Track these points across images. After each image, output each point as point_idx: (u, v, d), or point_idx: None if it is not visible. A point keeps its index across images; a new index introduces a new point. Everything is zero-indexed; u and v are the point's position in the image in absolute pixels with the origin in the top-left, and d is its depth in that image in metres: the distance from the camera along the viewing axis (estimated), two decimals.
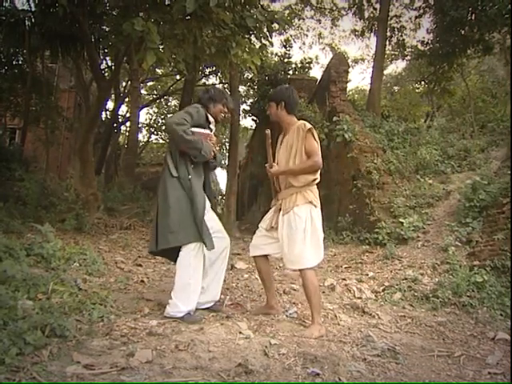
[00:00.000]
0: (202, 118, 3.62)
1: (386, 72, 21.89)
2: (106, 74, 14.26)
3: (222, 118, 3.84)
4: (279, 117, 3.69)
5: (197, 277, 3.49)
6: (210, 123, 3.74)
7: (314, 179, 3.55)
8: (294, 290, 4.84)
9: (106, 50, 10.48)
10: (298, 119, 3.75)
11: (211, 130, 3.75)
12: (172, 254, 3.62)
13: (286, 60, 16.93)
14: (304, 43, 25.08)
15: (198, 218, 3.45)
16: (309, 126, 3.58)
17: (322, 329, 3.39)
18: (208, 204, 3.69)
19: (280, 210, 3.60)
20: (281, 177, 3.67)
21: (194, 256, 3.45)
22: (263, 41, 6.44)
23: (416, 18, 17.13)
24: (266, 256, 3.79)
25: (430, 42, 13.95)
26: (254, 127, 20.80)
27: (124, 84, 20.19)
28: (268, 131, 3.78)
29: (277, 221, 3.61)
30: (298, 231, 3.42)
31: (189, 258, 3.44)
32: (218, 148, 3.78)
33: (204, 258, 3.59)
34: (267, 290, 3.87)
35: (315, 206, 3.53)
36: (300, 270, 3.49)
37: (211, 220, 3.69)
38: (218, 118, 3.79)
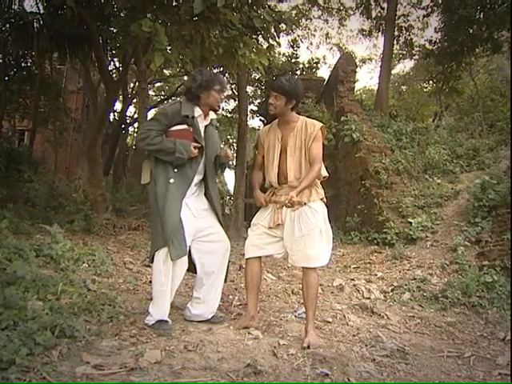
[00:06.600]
0: (177, 116, 3.27)
1: (393, 71, 21.80)
2: (114, 75, 14.30)
3: (219, 104, 3.39)
4: (283, 112, 3.31)
5: (169, 283, 3.20)
6: (194, 117, 3.30)
7: (325, 176, 3.38)
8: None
9: (113, 52, 10.48)
10: None
11: (194, 124, 3.31)
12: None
13: (293, 60, 16.99)
14: (311, 43, 25.23)
15: (167, 222, 3.17)
16: (319, 124, 3.34)
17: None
18: (205, 204, 3.48)
19: (283, 206, 3.26)
20: (290, 173, 3.29)
21: (163, 262, 3.16)
22: (271, 41, 6.47)
23: (424, 16, 17.10)
24: (260, 258, 3.43)
25: (438, 40, 13.89)
26: (261, 127, 20.78)
27: (132, 85, 20.21)
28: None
29: (281, 218, 3.29)
30: (316, 227, 3.19)
31: (159, 264, 3.17)
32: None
33: (193, 263, 3.41)
34: (253, 297, 3.42)
35: (325, 204, 3.36)
36: (309, 269, 3.23)
37: (204, 221, 3.42)
38: (214, 106, 3.38)
